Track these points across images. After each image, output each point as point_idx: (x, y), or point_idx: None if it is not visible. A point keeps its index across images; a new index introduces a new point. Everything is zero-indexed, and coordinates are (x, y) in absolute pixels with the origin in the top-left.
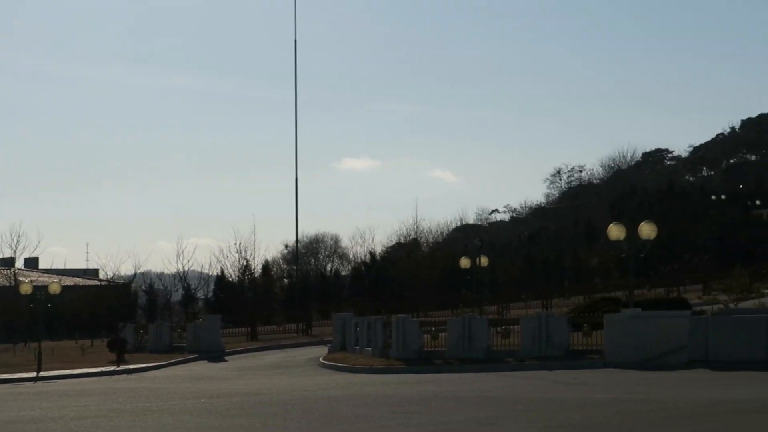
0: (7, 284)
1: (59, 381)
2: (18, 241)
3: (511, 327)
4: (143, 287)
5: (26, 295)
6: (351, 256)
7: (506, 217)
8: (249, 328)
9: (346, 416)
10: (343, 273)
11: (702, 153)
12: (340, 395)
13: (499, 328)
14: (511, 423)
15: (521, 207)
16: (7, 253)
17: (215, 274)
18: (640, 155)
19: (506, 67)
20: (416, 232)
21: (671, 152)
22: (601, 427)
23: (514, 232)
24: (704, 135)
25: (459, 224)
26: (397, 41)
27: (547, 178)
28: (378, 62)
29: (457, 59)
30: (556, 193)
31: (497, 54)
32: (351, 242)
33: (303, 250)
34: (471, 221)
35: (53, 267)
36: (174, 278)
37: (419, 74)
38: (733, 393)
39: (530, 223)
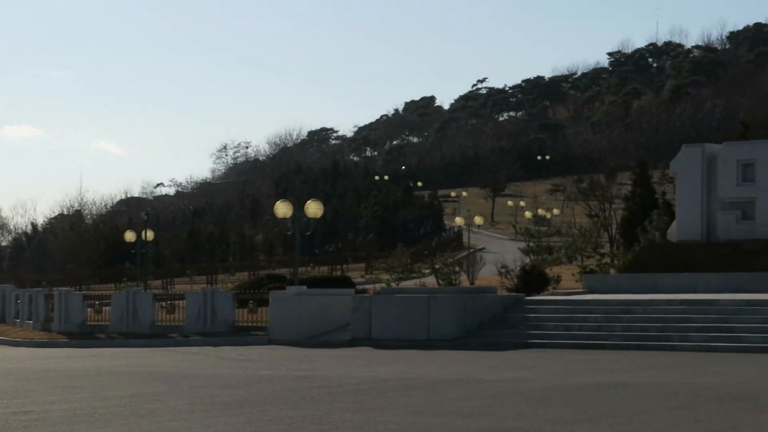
0: None
1: None
2: None
3: (177, 302)
4: None
5: None
6: (11, 227)
7: (172, 191)
8: None
9: (5, 392)
10: (3, 244)
11: (366, 133)
12: None
13: (164, 303)
14: (176, 399)
15: (187, 181)
16: None
17: None
18: (306, 134)
19: (173, 38)
20: (80, 204)
21: (336, 132)
22: (266, 404)
23: (180, 207)
24: (369, 116)
25: (124, 197)
26: (61, 4)
27: (213, 154)
28: (40, 26)
29: (120, 27)
30: (222, 168)
31: (163, 25)
32: (12, 212)
33: None
34: (136, 194)
35: None
36: None
37: (82, 41)
38: (395, 370)
39: (196, 198)
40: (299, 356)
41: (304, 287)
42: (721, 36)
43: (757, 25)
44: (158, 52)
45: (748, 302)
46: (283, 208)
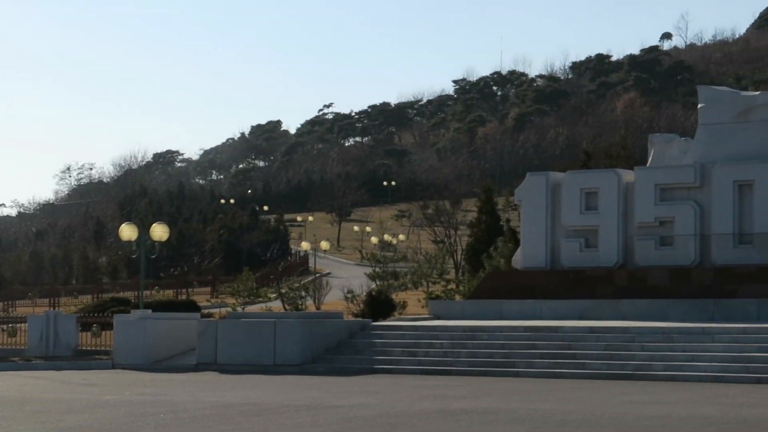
0: None
1: None
2: None
3: (18, 325)
4: None
5: None
6: None
7: (14, 212)
8: None
9: None
10: None
11: (212, 156)
12: None
13: (5, 327)
14: (18, 424)
15: (29, 203)
16: None
17: None
18: (151, 156)
19: (14, 58)
20: None
21: (182, 154)
22: (110, 429)
23: (22, 228)
24: (215, 139)
25: None
26: None
27: (57, 175)
28: None
29: None
30: (65, 190)
31: (2, 45)
32: None
33: None
34: None
35: None
36: None
37: None
38: (240, 395)
39: (39, 220)
40: (144, 381)
41: (149, 311)
42: (564, 66)
43: (599, 56)
44: (1, 72)
45: (591, 329)
46: (127, 231)
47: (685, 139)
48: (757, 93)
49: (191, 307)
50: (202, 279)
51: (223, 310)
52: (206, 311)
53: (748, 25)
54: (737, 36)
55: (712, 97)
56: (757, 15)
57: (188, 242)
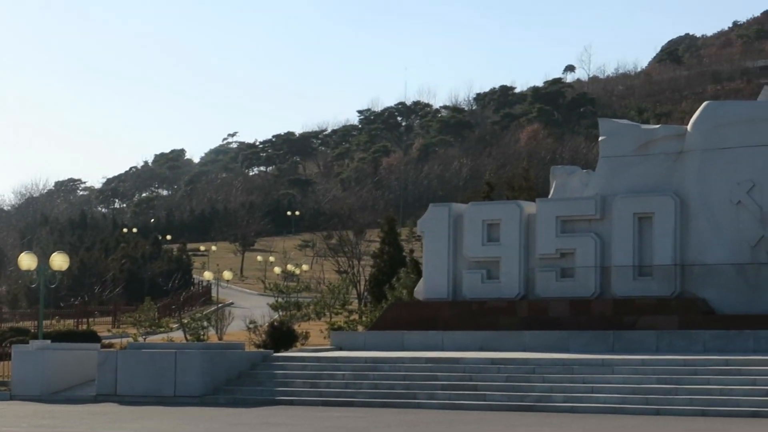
0: None
1: None
2: None
3: None
4: None
5: None
6: None
7: None
8: None
9: None
10: None
11: (115, 185)
12: None
13: None
14: None
15: None
16: None
17: None
18: (53, 184)
19: None
20: None
21: (84, 182)
22: None
23: None
24: (118, 167)
25: None
26: None
27: None
28: None
29: None
30: None
31: None
32: None
33: None
34: None
35: None
36: None
37: None
38: (139, 427)
39: None
40: (42, 412)
41: (48, 341)
42: (468, 97)
43: (503, 87)
44: None
45: (493, 360)
46: (27, 260)
47: (587, 171)
48: (657, 126)
49: (91, 337)
50: (103, 309)
51: (125, 340)
52: (107, 341)
53: (650, 59)
54: (639, 69)
55: (613, 129)
56: (658, 49)
57: (90, 271)
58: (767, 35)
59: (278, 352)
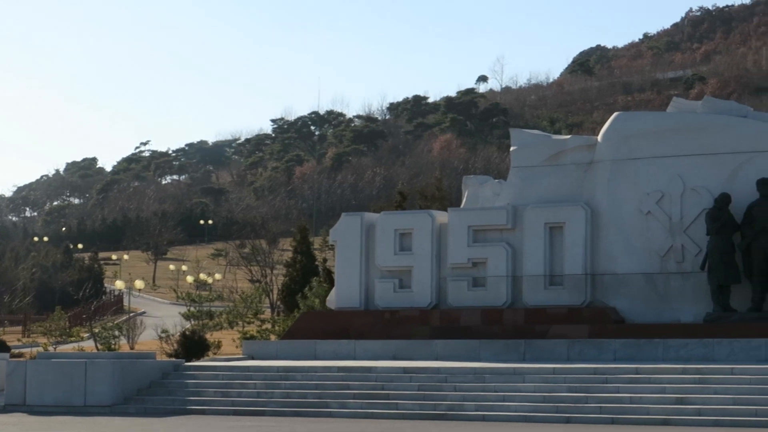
0: None
1: None
2: None
3: None
4: None
5: None
6: None
7: None
8: None
9: None
10: None
11: (26, 193)
12: None
13: None
14: None
15: None
16: None
17: None
18: None
19: None
20: None
21: None
22: None
23: None
24: (29, 175)
25: None
26: None
27: None
28: None
29: None
30: None
31: None
32: None
33: None
34: None
35: None
36: None
37: None
38: None
39: None
40: None
41: None
42: (382, 107)
43: (416, 97)
44: None
45: (405, 369)
46: None
47: (499, 181)
48: (568, 137)
49: (0, 347)
50: (13, 318)
51: (35, 349)
52: (17, 351)
53: (561, 70)
54: (551, 80)
55: (524, 140)
56: (570, 60)
57: (0, 280)
58: (677, 47)
59: (190, 361)
